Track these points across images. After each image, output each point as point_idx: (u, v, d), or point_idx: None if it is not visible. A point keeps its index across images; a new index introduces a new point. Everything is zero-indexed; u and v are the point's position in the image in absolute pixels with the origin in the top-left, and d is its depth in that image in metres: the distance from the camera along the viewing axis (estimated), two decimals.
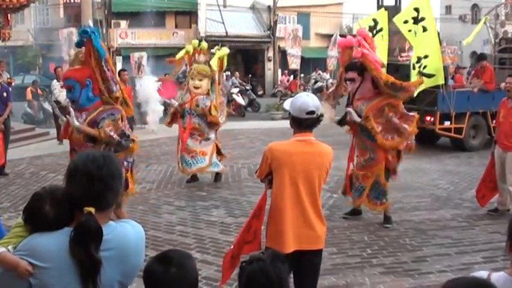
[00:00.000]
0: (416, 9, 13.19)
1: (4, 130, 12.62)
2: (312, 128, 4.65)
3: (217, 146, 11.68)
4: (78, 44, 7.30)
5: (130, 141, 7.50)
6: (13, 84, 21.03)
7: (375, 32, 13.23)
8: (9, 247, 2.59)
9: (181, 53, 11.79)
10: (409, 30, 13.41)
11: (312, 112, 4.54)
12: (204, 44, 11.71)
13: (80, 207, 2.55)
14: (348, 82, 8.61)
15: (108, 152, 2.88)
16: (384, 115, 8.38)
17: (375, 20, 13.24)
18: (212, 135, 11.47)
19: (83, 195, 2.55)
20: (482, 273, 2.76)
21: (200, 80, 11.23)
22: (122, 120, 7.34)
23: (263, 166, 4.67)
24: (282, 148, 4.61)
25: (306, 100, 4.58)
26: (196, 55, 11.54)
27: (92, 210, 2.52)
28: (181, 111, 11.37)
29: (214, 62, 11.40)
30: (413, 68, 13.65)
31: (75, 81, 7.21)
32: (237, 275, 2.84)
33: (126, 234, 2.68)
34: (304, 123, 4.56)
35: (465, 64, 35.62)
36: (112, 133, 7.17)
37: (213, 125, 11.34)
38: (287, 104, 4.75)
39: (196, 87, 11.21)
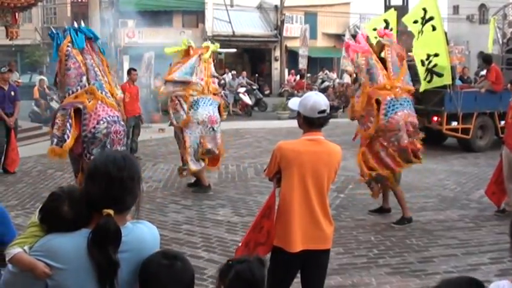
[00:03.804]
0: (425, 9, 13.20)
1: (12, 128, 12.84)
2: (322, 127, 4.64)
3: None
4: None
5: (58, 142, 7.80)
6: (20, 84, 21.14)
7: None
8: (25, 247, 2.57)
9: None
10: (419, 32, 13.44)
11: (324, 111, 4.53)
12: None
13: (98, 209, 2.53)
14: None
15: (129, 154, 2.86)
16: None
17: (386, 21, 13.27)
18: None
19: (102, 196, 2.53)
20: (501, 283, 2.69)
21: None
22: (75, 115, 7.74)
23: (272, 165, 4.65)
24: (291, 147, 4.59)
25: (318, 99, 4.57)
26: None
27: (111, 212, 2.51)
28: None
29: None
30: (423, 65, 13.66)
31: None
32: (220, 271, 2.89)
33: (142, 236, 2.67)
34: (316, 122, 4.54)
35: (473, 64, 35.59)
36: (55, 127, 7.73)
37: None
38: (293, 104, 4.73)
39: None
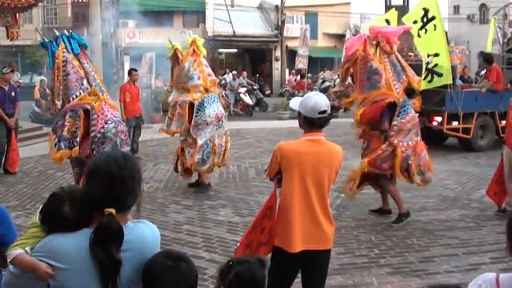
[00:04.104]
0: (425, 9, 13.23)
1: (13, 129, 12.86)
2: (323, 127, 4.63)
3: None
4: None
5: (68, 145, 7.85)
6: (21, 84, 21.16)
7: None
8: (27, 248, 2.58)
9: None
10: (419, 30, 13.47)
11: (324, 111, 4.53)
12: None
13: (99, 208, 2.54)
14: None
15: (130, 154, 2.87)
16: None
17: (387, 21, 13.29)
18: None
19: (103, 196, 2.54)
20: (490, 276, 2.75)
21: None
22: (85, 115, 7.86)
23: (273, 165, 4.65)
24: (292, 147, 4.59)
25: (318, 100, 4.56)
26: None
27: (113, 211, 2.52)
28: None
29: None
30: (427, 64, 13.73)
31: None
32: (220, 271, 2.90)
33: (143, 235, 2.68)
34: (316, 122, 4.54)
35: (473, 64, 35.57)
36: (65, 129, 7.79)
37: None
38: (294, 104, 4.73)
39: None
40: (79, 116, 7.75)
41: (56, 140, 7.85)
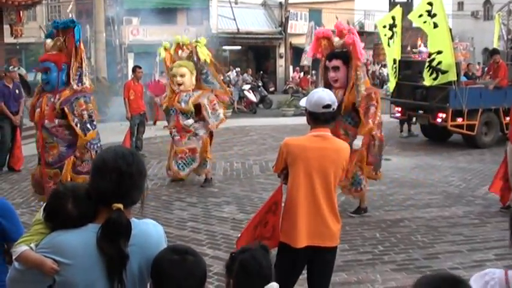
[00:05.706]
0: (430, 4, 13.25)
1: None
2: (329, 123, 4.63)
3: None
4: (49, 36, 8.05)
5: (91, 128, 7.82)
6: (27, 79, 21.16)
7: (394, 30, 13.31)
8: (32, 245, 2.58)
9: (162, 53, 11.41)
10: (424, 22, 13.49)
11: (328, 106, 4.52)
12: (186, 39, 11.43)
13: (105, 203, 2.56)
14: (331, 70, 8.71)
15: (134, 150, 2.89)
16: (369, 103, 8.54)
17: (393, 18, 13.31)
18: (201, 132, 10.99)
19: (111, 191, 2.55)
20: (498, 273, 2.72)
21: (182, 76, 10.89)
22: (92, 105, 7.87)
23: (279, 160, 4.66)
24: (297, 143, 4.60)
25: (322, 94, 4.58)
26: (179, 51, 11.24)
27: (121, 206, 2.54)
28: (165, 110, 11.31)
29: (203, 55, 11.00)
30: (429, 56, 13.75)
31: (53, 63, 7.78)
32: (226, 266, 2.90)
33: (148, 230, 2.71)
34: (321, 117, 4.54)
35: (477, 60, 35.53)
36: (84, 112, 7.67)
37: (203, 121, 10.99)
38: (303, 101, 4.76)
39: (179, 84, 10.92)
40: (91, 102, 7.82)
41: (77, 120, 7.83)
